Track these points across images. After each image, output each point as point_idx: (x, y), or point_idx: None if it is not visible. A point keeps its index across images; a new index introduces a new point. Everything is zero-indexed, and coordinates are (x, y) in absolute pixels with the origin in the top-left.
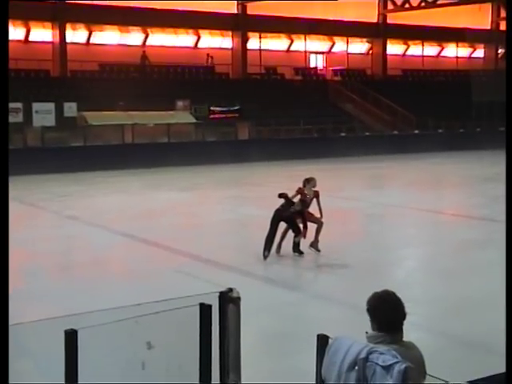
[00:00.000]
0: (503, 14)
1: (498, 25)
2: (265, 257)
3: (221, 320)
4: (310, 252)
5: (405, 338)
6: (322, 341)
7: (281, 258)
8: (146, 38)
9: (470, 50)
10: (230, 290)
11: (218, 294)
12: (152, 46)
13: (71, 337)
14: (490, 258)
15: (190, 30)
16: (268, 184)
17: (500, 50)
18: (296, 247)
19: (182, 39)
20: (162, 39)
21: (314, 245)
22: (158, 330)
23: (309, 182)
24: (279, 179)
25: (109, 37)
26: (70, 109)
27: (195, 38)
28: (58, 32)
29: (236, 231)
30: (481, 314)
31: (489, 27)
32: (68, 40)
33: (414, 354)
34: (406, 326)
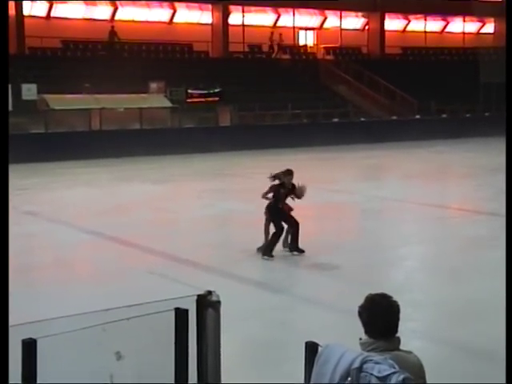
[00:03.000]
0: None
1: None
2: (269, 257)
3: (198, 326)
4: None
5: (404, 347)
6: (311, 349)
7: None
8: (115, 11)
9: (479, 24)
10: (209, 292)
11: (195, 297)
12: (122, 21)
13: (29, 347)
14: (499, 258)
15: (165, 3)
16: (252, 175)
17: None
18: (293, 244)
19: (155, 13)
20: (133, 13)
21: (286, 244)
22: (129, 339)
23: (286, 175)
24: (265, 170)
25: (72, 10)
26: (29, 91)
27: (170, 11)
28: (13, 3)
29: (216, 228)
30: (489, 319)
31: None
32: (25, 13)
33: (412, 363)
34: (406, 333)
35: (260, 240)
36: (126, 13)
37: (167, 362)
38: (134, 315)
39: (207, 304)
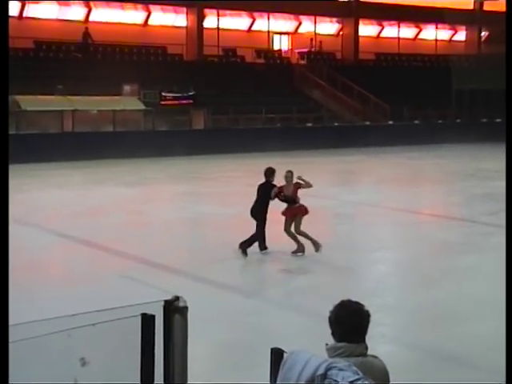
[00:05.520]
0: None
1: (481, 5)
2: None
3: (165, 333)
4: (269, 255)
5: (373, 351)
6: (276, 356)
7: (239, 262)
8: (89, 12)
9: (451, 32)
10: (177, 298)
11: (162, 303)
12: (96, 22)
13: None
14: (470, 263)
15: (139, 5)
16: (225, 179)
17: (483, 33)
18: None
19: (129, 15)
20: (108, 14)
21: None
22: (94, 344)
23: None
24: (238, 174)
25: (46, 10)
26: None
27: (145, 14)
28: None
29: (189, 231)
30: (461, 324)
31: (471, 7)
32: None
33: (378, 368)
34: (376, 338)
35: (233, 243)
36: (100, 14)
37: (133, 368)
38: (100, 320)
39: (174, 310)
